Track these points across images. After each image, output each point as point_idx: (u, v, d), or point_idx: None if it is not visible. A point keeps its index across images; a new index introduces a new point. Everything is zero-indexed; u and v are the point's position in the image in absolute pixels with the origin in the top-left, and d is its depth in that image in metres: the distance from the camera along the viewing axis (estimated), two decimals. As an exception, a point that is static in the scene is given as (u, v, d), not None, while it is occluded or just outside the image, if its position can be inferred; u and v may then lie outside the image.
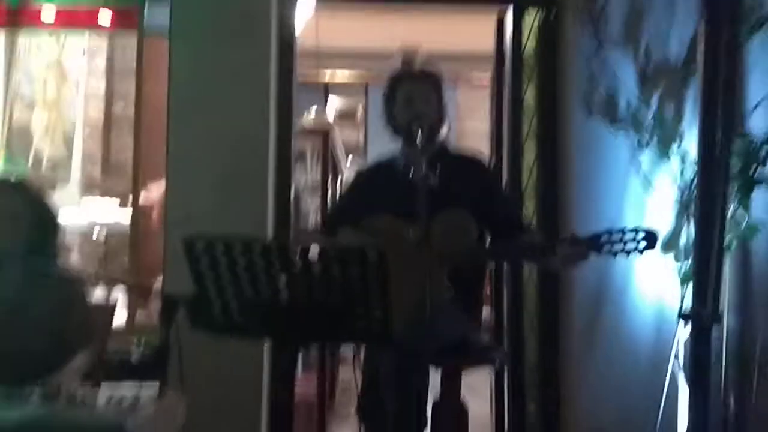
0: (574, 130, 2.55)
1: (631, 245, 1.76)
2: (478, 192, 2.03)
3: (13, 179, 2.18)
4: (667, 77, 2.49)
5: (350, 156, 6.38)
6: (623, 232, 1.77)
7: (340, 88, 8.67)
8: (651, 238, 1.77)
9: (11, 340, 1.75)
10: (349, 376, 4.49)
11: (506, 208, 2.13)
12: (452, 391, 1.92)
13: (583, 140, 2.54)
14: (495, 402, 2.90)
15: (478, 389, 2.97)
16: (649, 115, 2.46)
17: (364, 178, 2.27)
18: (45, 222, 1.90)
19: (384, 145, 2.31)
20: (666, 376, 2.25)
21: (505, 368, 2.67)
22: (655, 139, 2.45)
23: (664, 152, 2.44)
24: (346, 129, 7.88)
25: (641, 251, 1.76)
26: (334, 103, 8.43)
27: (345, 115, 8.34)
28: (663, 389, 2.24)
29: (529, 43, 2.79)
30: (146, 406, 1.40)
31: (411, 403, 1.50)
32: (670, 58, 2.49)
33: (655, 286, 2.43)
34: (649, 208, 2.45)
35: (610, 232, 1.78)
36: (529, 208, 2.74)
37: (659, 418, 2.22)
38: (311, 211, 4.74)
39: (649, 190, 2.45)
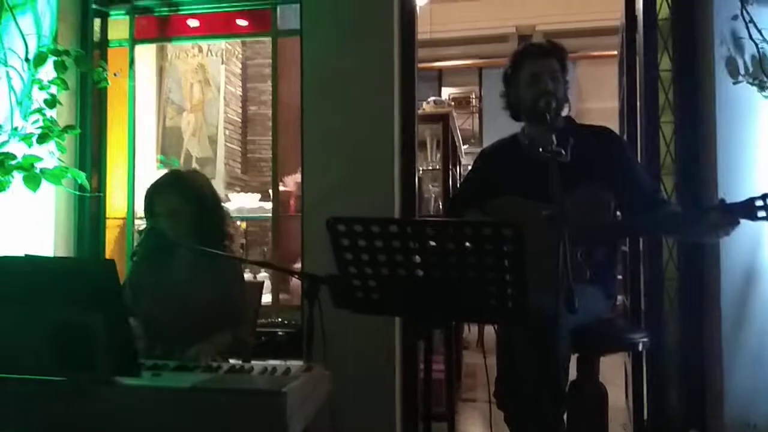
0: (719, 98, 2.36)
1: None
2: (613, 165, 1.97)
3: (187, 169, 2.42)
4: (826, 34, 2.25)
5: (466, 144, 6.36)
6: None
7: (453, 75, 8.62)
8: None
9: (185, 316, 1.97)
10: (472, 360, 4.54)
11: (643, 180, 2.04)
12: (589, 374, 1.88)
13: (728, 108, 2.35)
14: (633, 389, 2.78)
15: (609, 377, 2.88)
16: (805, 78, 2.24)
17: (488, 158, 2.25)
18: (214, 208, 2.10)
19: (499, 130, 2.29)
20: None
21: (644, 354, 2.56)
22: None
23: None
24: (461, 116, 7.84)
25: None
26: (448, 90, 8.40)
27: (459, 102, 8.28)
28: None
29: (663, 10, 2.63)
30: (297, 376, 1.50)
31: (549, 378, 1.50)
32: (830, 13, 2.25)
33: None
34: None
35: (765, 196, 1.66)
36: (668, 186, 2.59)
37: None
38: (432, 198, 4.80)
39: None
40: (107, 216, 3.08)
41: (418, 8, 2.88)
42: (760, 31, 2.29)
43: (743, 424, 2.24)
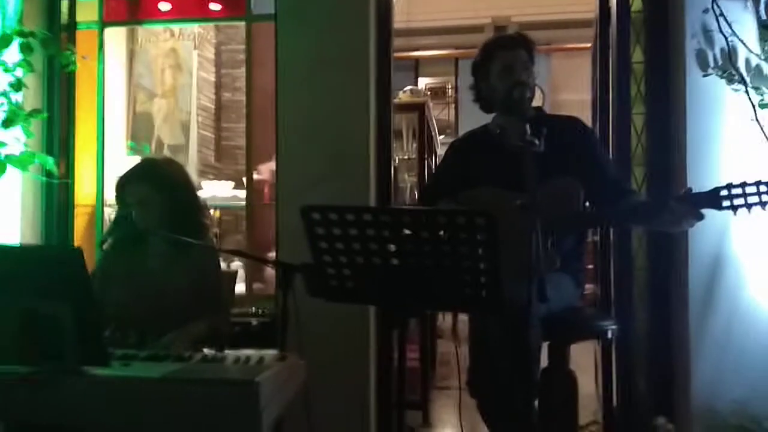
0: (688, 90, 2.40)
1: (753, 199, 1.67)
2: (581, 154, 2.00)
3: (161, 158, 2.37)
4: (792, 30, 2.30)
5: (443, 134, 6.37)
6: (745, 185, 1.68)
7: (430, 65, 8.61)
8: None
9: (157, 306, 1.94)
10: (447, 349, 4.58)
11: (609, 169, 2.09)
12: (560, 361, 1.91)
13: (697, 101, 2.38)
14: (603, 377, 2.83)
15: (581, 365, 2.93)
16: (773, 73, 2.29)
17: (459, 149, 2.27)
18: (187, 198, 2.07)
19: (475, 121, 2.30)
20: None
21: (613, 341, 2.60)
22: (778, 98, 2.27)
23: (789, 112, 2.26)
24: (437, 106, 7.84)
25: (765, 205, 1.66)
26: (424, 80, 8.40)
27: (435, 93, 8.29)
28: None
29: (636, 2, 2.66)
30: (271, 365, 1.50)
31: (522, 367, 1.52)
32: (796, 9, 2.29)
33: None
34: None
35: (730, 186, 1.69)
36: (639, 176, 2.63)
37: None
38: (408, 187, 4.81)
39: (772, 153, 2.28)
40: (76, 203, 3.01)
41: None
42: (729, 25, 2.32)
43: (709, 411, 2.30)
